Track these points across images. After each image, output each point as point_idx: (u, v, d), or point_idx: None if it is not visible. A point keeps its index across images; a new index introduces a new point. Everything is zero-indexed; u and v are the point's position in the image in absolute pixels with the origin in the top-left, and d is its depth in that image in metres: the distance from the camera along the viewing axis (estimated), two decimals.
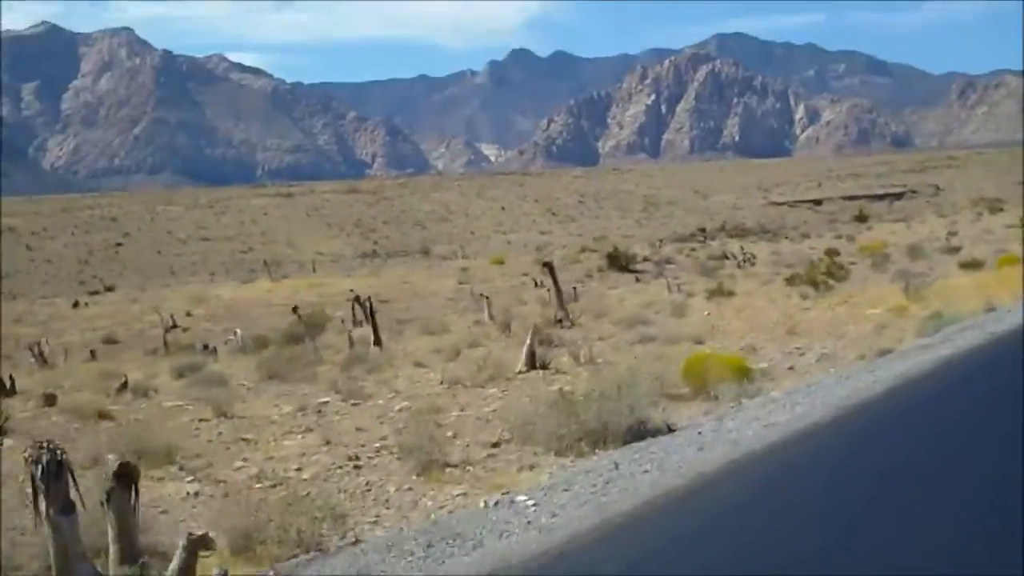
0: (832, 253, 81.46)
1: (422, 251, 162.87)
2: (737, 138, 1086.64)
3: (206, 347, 42.85)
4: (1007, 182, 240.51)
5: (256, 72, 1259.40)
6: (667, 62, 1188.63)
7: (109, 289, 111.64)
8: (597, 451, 17.05)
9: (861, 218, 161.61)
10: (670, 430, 18.02)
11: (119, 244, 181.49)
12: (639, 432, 17.60)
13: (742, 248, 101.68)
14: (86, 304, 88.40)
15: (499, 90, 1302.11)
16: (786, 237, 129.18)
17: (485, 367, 27.12)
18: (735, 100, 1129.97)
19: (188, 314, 68.51)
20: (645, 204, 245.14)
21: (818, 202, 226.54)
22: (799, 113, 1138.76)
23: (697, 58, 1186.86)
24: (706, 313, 39.53)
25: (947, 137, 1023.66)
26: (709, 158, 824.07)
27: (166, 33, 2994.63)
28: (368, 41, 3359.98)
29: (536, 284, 74.13)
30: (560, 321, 40.18)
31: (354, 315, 55.12)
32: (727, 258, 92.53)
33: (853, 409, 17.61)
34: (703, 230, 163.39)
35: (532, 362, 28.28)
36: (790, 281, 54.06)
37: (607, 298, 59.51)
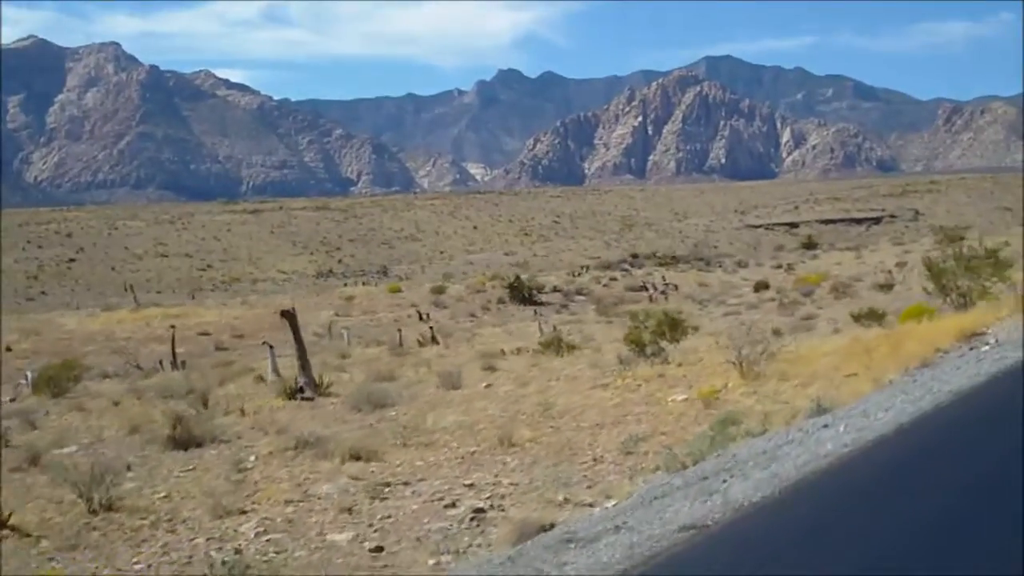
0: (761, 286, 76.39)
1: (380, 271, 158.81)
2: (723, 161, 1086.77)
3: None
4: (988, 207, 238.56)
5: (243, 88, 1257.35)
6: (655, 84, 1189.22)
7: None
8: None
9: (809, 245, 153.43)
10: None
11: (71, 260, 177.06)
12: None
13: (664, 279, 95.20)
14: None
15: (487, 110, 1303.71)
16: (720, 266, 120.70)
17: None
18: (722, 123, 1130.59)
19: (8, 349, 62.10)
20: (622, 225, 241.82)
21: (794, 225, 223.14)
22: (785, 137, 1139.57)
23: (685, 80, 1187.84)
24: (484, 385, 31.52)
25: (933, 162, 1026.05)
26: (695, 180, 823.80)
27: (153, 48, 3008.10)
28: (357, 59, 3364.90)
29: (420, 318, 69.59)
30: (301, 391, 31.81)
31: (174, 356, 49.51)
32: (645, 289, 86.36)
33: None
34: (635, 256, 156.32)
35: None
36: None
37: (468, 341, 53.56)
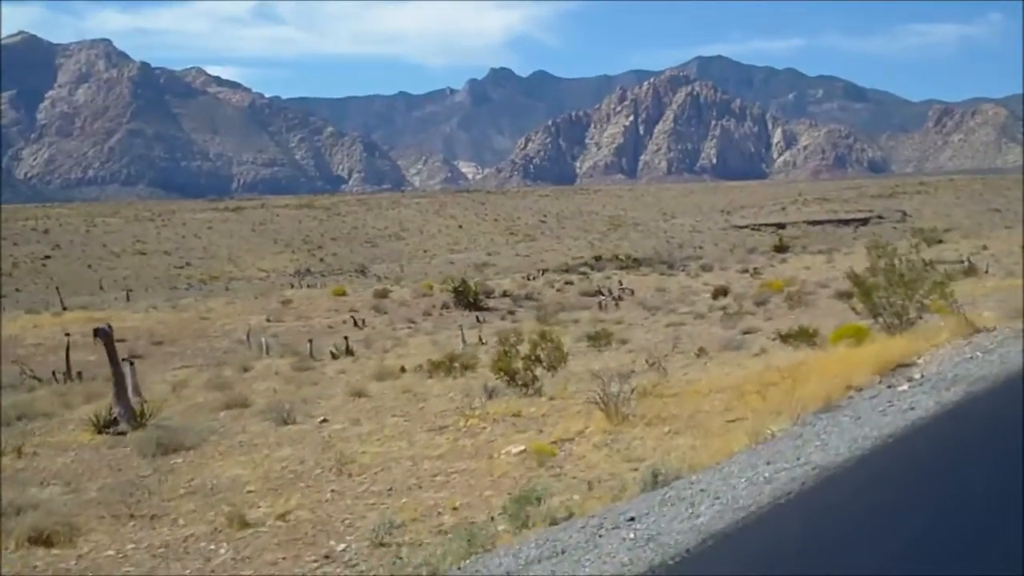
0: (720, 292, 71.15)
1: (359, 270, 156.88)
2: (715, 161, 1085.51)
3: None
4: (977, 209, 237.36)
5: (234, 86, 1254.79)
6: (646, 84, 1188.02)
7: None
8: None
9: (780, 248, 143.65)
10: None
11: (47, 257, 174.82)
12: None
13: (620, 283, 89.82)
14: None
15: (478, 108, 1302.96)
16: (683, 269, 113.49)
17: None
18: (713, 123, 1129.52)
19: None
20: (609, 225, 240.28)
21: (781, 226, 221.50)
22: (776, 137, 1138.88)
23: (676, 80, 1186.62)
24: (320, 420, 26.45)
25: (923, 163, 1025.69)
26: (686, 180, 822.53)
27: (145, 45, 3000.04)
28: (349, 57, 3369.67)
29: (356, 324, 66.12)
30: (114, 422, 26.38)
31: (68, 367, 45.93)
32: (600, 294, 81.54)
33: None
34: (598, 258, 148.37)
35: None
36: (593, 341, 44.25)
37: (387, 352, 50.02)
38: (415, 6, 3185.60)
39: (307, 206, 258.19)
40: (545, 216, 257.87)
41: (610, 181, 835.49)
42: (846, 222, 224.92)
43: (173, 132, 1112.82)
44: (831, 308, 51.41)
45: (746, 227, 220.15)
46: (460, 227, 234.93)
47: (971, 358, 23.74)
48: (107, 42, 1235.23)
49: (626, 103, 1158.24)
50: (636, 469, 17.65)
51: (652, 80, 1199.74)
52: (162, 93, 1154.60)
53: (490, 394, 27.78)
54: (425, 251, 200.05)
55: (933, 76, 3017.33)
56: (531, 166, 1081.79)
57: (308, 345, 52.36)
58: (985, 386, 20.09)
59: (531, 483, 17.40)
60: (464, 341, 50.75)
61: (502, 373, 29.07)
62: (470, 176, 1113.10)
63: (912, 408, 18.58)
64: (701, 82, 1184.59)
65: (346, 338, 54.53)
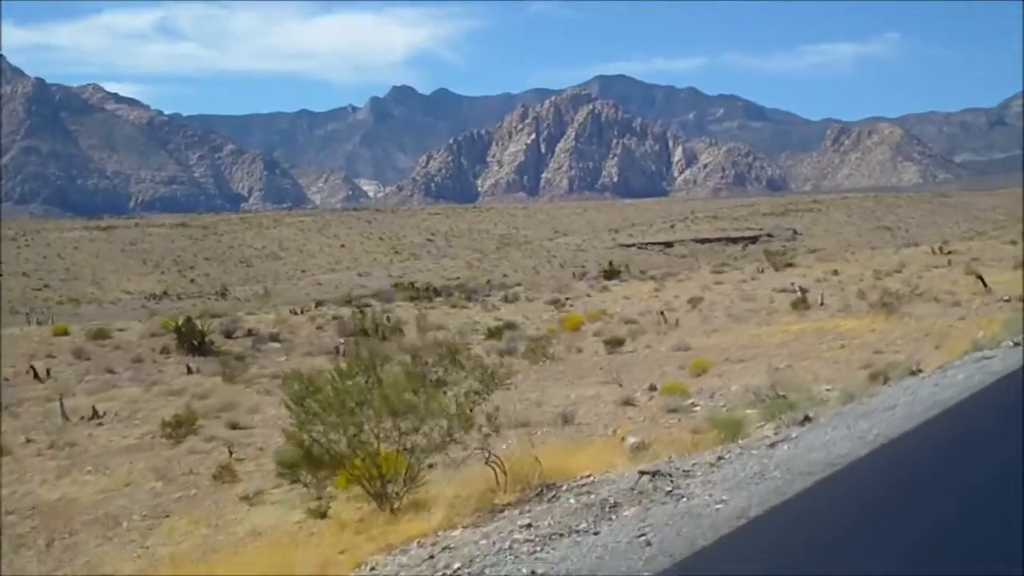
0: (497, 333, 61.36)
1: (219, 293, 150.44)
2: (616, 179, 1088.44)
3: None
4: (868, 227, 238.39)
5: (132, 103, 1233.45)
6: (548, 102, 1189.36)
7: None
8: None
9: (610, 274, 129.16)
10: None
11: None
12: None
13: (388, 319, 76.27)
14: None
15: (380, 126, 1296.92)
16: (482, 300, 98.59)
17: None
18: (614, 141, 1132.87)
19: None
20: (498, 243, 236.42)
21: (669, 244, 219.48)
22: (677, 155, 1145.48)
23: (578, 99, 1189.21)
24: None
25: (821, 181, 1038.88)
26: (588, 198, 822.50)
27: (40, 61, 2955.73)
28: (250, 74, 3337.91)
29: (36, 376, 54.51)
30: None
31: None
32: (366, 334, 68.28)
33: None
34: (397, 285, 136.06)
35: None
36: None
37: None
38: (319, 23, 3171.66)
39: (183, 225, 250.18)
40: (433, 235, 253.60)
41: (511, 199, 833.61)
42: (735, 240, 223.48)
43: (69, 150, 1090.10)
44: (583, 364, 43.29)
45: (632, 245, 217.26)
46: (343, 246, 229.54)
47: None
48: (0, 58, 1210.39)
49: (528, 121, 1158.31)
50: None
51: (554, 98, 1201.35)
52: (58, 110, 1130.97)
53: None
54: (303, 271, 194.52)
55: (831, 95, 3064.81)
56: (433, 184, 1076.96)
57: None
58: None
59: None
60: (64, 416, 39.77)
61: None
62: (372, 194, 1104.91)
63: None
64: (602, 100, 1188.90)
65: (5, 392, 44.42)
